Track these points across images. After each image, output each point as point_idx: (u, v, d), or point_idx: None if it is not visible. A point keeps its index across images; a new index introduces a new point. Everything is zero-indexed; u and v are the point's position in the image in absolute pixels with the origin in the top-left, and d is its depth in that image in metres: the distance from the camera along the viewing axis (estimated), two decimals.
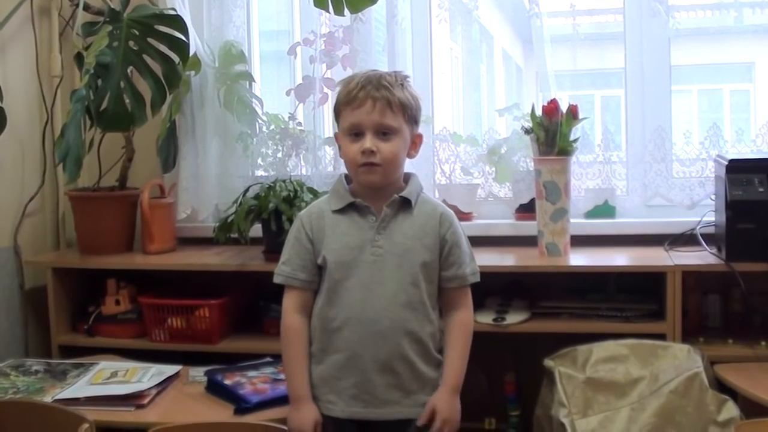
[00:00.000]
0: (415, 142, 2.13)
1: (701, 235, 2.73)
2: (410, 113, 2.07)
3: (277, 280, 2.12)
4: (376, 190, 2.08)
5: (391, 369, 2.04)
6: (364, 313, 2.04)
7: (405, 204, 2.09)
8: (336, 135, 2.16)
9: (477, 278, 2.14)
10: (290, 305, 2.11)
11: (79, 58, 2.88)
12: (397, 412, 2.06)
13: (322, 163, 3.06)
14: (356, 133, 2.04)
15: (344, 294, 2.06)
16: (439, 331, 2.12)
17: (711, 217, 2.75)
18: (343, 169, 2.21)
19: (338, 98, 2.11)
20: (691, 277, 2.59)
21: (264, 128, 3.14)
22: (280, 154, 3.10)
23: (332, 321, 2.06)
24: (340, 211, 2.09)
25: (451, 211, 2.16)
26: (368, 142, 2.01)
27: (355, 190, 2.11)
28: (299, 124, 3.10)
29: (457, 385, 2.08)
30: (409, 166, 2.86)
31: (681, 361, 2.33)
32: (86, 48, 2.85)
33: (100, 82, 2.80)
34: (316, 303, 2.11)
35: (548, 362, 2.43)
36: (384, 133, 2.03)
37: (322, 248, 2.08)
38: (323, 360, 2.09)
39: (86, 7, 2.99)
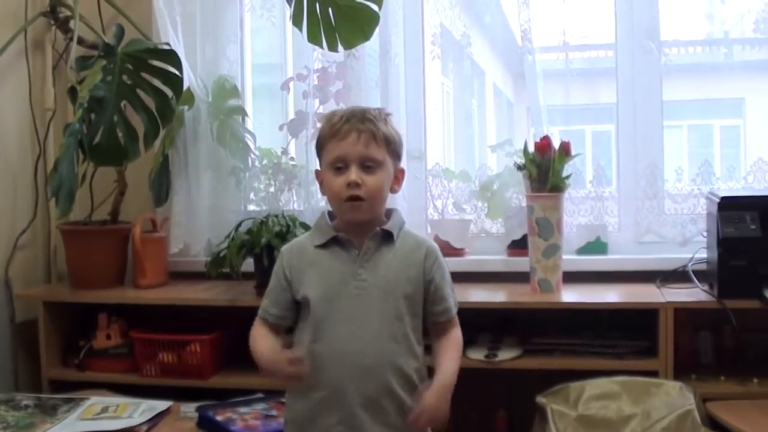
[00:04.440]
0: (398, 176, 2.11)
1: (693, 271, 2.74)
2: (393, 147, 2.06)
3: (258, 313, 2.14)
4: (360, 225, 2.06)
5: (377, 404, 2.00)
6: (349, 347, 2.00)
7: (387, 237, 2.06)
8: (317, 172, 2.13)
9: (457, 307, 2.12)
10: (257, 331, 2.12)
11: (72, 92, 2.89)
12: None
13: (314, 198, 3.05)
14: (340, 167, 2.02)
15: (329, 329, 2.02)
16: (425, 366, 2.09)
17: (703, 254, 2.76)
18: None
19: (321, 133, 2.08)
20: (683, 313, 2.60)
21: (257, 163, 3.15)
22: (272, 189, 3.11)
23: (317, 357, 2.02)
24: (323, 245, 2.07)
25: (435, 245, 2.14)
26: (353, 174, 1.99)
27: (338, 226, 2.09)
28: (292, 159, 3.10)
29: (448, 383, 2.01)
30: (402, 201, 2.90)
31: (673, 398, 2.32)
32: (80, 82, 2.86)
33: (93, 116, 2.80)
34: (302, 340, 2.07)
35: (540, 399, 2.42)
36: (368, 165, 2.01)
37: (300, 286, 2.06)
38: (307, 396, 2.04)
39: (80, 41, 3.00)
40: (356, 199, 2.00)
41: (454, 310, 2.11)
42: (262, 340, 2.07)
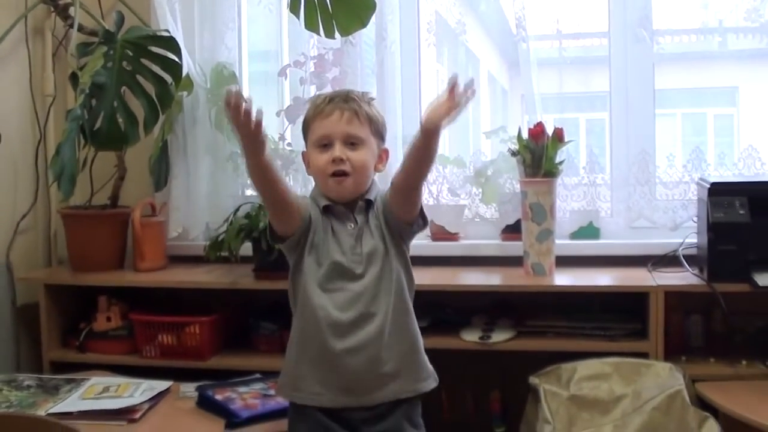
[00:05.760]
0: (382, 156, 2.17)
1: (684, 256, 2.78)
2: (376, 127, 2.12)
3: None
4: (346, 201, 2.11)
5: (378, 367, 2.06)
6: (342, 315, 2.05)
7: (370, 206, 2.12)
8: (303, 153, 2.19)
9: None
10: None
11: (73, 78, 2.92)
12: (388, 394, 2.07)
13: (311, 183, 3.06)
14: (325, 144, 2.08)
15: (326, 301, 2.06)
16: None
17: (693, 239, 2.79)
18: None
19: (307, 114, 2.15)
20: (674, 297, 2.62)
21: None
22: None
23: (313, 328, 2.07)
24: (324, 214, 2.11)
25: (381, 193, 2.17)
26: (338, 150, 2.05)
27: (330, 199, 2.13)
28: (289, 144, 3.12)
29: None
30: None
31: (663, 379, 2.37)
32: (81, 68, 2.89)
33: (94, 101, 2.83)
34: (298, 306, 2.12)
35: (533, 380, 2.47)
36: (352, 143, 2.07)
37: (307, 238, 2.10)
38: (306, 362, 2.10)
39: (80, 28, 3.03)
40: (341, 174, 2.06)
41: None
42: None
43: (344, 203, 2.12)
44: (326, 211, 2.11)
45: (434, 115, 1.89)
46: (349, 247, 2.08)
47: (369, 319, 2.06)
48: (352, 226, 2.10)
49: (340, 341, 2.04)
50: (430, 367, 2.17)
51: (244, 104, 1.81)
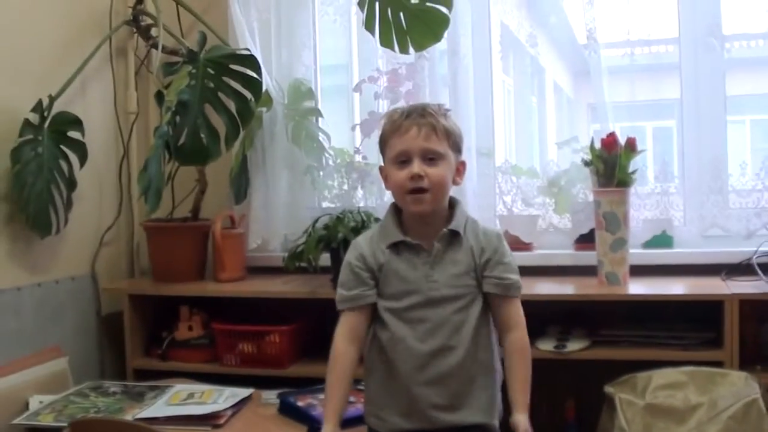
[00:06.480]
0: (459, 169, 2.15)
1: (758, 264, 2.75)
2: (454, 140, 2.10)
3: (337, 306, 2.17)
4: (425, 218, 2.10)
5: (455, 400, 2.08)
6: (422, 346, 2.06)
7: (454, 235, 2.10)
8: (381, 168, 2.19)
9: (518, 290, 2.11)
10: (340, 330, 2.14)
11: (158, 96, 3.01)
12: (460, 420, 2.08)
13: (386, 195, 3.10)
14: (403, 161, 2.06)
15: (406, 332, 2.08)
16: (498, 345, 2.14)
17: (767, 247, 2.78)
18: None
19: (384, 130, 2.14)
20: (748, 305, 2.60)
21: (330, 162, 3.25)
22: (346, 187, 3.21)
23: (393, 359, 2.09)
24: (393, 248, 2.11)
25: (496, 231, 2.18)
26: (416, 167, 2.04)
27: (405, 225, 2.13)
28: (365, 157, 3.17)
29: (526, 404, 2.04)
30: (471, 197, 2.97)
31: (739, 388, 2.36)
32: (165, 86, 2.98)
33: (178, 118, 2.90)
34: (376, 339, 2.14)
35: (608, 389, 2.48)
36: (431, 158, 2.05)
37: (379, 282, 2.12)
38: (386, 394, 2.12)
39: (163, 48, 3.12)
40: (419, 191, 2.05)
41: (514, 286, 2.10)
42: (336, 387, 2.10)
43: (423, 228, 2.11)
44: (398, 244, 2.11)
45: None
46: (423, 275, 2.08)
47: (449, 351, 2.06)
48: (427, 254, 2.09)
49: (420, 373, 2.06)
50: (501, 405, 2.15)
51: None
